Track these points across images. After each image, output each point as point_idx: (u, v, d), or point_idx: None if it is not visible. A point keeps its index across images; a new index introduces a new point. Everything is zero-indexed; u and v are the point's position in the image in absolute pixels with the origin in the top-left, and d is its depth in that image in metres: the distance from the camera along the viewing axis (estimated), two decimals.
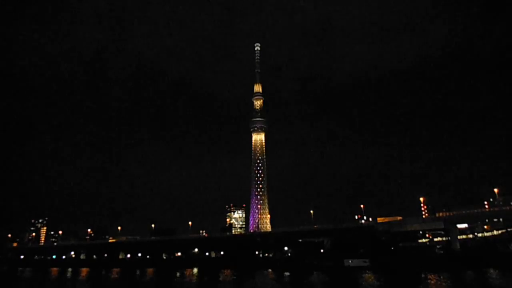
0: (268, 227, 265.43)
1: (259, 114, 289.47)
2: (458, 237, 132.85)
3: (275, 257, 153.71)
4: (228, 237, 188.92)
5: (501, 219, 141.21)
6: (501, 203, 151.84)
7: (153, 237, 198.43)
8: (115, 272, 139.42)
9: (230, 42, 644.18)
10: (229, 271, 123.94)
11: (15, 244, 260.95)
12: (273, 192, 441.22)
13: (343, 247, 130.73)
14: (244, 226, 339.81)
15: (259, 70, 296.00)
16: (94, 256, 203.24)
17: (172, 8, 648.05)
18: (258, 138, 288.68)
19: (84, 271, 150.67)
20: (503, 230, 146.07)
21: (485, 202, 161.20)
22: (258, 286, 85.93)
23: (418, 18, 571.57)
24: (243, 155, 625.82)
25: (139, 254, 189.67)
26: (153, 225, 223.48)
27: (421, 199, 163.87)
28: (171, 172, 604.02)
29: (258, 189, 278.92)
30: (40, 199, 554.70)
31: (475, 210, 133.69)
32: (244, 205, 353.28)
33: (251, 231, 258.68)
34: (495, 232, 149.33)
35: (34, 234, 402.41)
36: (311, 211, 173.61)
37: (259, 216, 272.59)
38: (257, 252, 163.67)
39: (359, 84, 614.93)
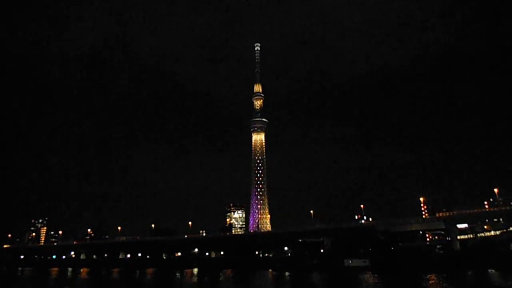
0: (268, 227, 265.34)
1: (259, 114, 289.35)
2: (458, 237, 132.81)
3: (275, 257, 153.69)
4: (228, 237, 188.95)
5: (501, 219, 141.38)
6: (501, 203, 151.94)
7: (153, 237, 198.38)
8: (115, 272, 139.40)
9: (230, 42, 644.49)
10: (229, 271, 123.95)
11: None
12: (273, 192, 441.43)
13: (343, 247, 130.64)
14: (244, 226, 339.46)
15: (259, 70, 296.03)
16: (94, 256, 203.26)
17: (172, 8, 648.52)
18: (258, 138, 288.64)
19: (84, 271, 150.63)
20: (503, 230, 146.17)
21: (485, 202, 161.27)
22: (258, 286, 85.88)
23: (416, 18, 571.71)
24: (243, 155, 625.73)
25: (139, 254, 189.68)
26: (153, 225, 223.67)
27: (421, 199, 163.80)
28: (171, 172, 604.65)
29: (258, 189, 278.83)
30: (40, 199, 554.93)
31: (475, 210, 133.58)
32: (244, 205, 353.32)
33: (251, 231, 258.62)
34: (495, 232, 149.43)
35: (34, 234, 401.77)
36: (311, 211, 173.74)
37: (259, 216, 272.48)
38: (257, 252, 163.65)
39: (359, 84, 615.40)
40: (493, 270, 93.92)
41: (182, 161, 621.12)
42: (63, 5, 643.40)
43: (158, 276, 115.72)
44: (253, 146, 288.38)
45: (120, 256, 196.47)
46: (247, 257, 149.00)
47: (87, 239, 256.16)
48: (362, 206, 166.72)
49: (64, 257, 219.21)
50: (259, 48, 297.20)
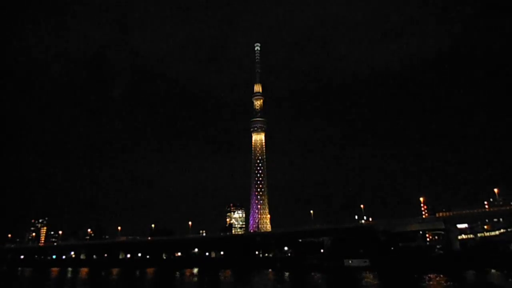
0: (268, 227, 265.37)
1: (259, 114, 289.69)
2: (458, 237, 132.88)
3: (275, 257, 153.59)
4: (228, 237, 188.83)
5: (501, 219, 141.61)
6: (501, 203, 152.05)
7: (153, 237, 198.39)
8: (115, 272, 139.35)
9: (229, 42, 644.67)
10: (229, 271, 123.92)
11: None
12: (273, 192, 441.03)
13: (343, 247, 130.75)
14: (244, 226, 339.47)
15: (259, 70, 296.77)
16: (94, 256, 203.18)
17: (172, 8, 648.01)
18: (258, 138, 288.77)
19: (84, 271, 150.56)
20: (503, 230, 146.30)
21: (485, 202, 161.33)
22: (258, 286, 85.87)
23: (416, 18, 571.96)
24: (243, 155, 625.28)
25: (139, 254, 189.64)
26: (153, 225, 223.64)
27: (421, 199, 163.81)
28: (171, 172, 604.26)
29: (258, 189, 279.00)
30: (40, 199, 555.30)
31: (475, 210, 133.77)
32: (244, 205, 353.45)
33: (251, 231, 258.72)
34: (495, 232, 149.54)
35: (34, 234, 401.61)
36: (311, 211, 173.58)
37: (259, 216, 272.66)
38: (257, 252, 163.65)
39: (359, 84, 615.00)
40: (493, 270, 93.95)
41: (182, 161, 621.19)
42: (63, 5, 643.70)
43: (158, 276, 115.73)
44: (253, 146, 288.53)
45: (120, 256, 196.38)
46: (247, 257, 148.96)
47: (87, 239, 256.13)
48: (362, 206, 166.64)
49: (64, 257, 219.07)
50: (259, 48, 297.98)
